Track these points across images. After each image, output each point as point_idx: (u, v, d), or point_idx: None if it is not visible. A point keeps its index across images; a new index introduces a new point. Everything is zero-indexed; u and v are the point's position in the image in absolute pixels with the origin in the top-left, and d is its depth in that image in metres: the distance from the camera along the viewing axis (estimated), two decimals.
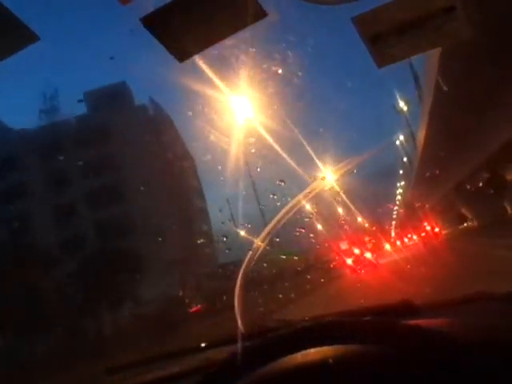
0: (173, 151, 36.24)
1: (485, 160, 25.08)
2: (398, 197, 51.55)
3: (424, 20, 1.82)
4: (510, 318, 1.27)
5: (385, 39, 1.83)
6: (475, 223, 38.66)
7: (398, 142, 37.47)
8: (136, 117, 37.06)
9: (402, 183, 47.60)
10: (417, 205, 44.02)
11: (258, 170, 16.86)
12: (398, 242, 46.66)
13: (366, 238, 30.39)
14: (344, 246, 27.63)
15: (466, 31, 1.86)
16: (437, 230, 41.43)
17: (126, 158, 36.04)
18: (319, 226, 20.37)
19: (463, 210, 43.10)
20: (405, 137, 36.55)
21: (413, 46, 1.89)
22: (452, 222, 46.98)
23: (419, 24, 1.83)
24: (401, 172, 44.79)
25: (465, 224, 44.68)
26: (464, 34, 1.85)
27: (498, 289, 1.54)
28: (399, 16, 1.81)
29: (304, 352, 0.90)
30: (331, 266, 27.45)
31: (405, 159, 40.38)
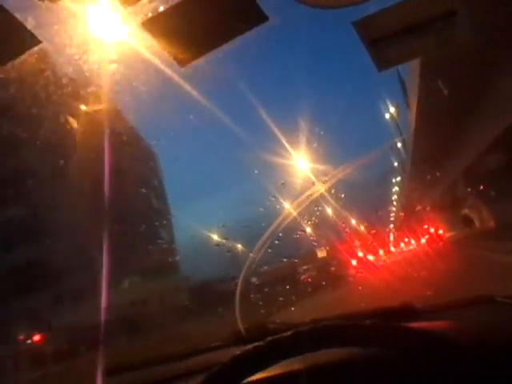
0: (111, 134, 33.85)
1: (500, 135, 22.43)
2: (395, 196, 51.67)
3: (425, 24, 2.21)
4: (508, 320, 1.48)
5: (385, 43, 2.21)
6: (491, 223, 36.53)
7: (387, 116, 35.47)
8: (53, 82, 34.33)
9: (398, 178, 47.30)
10: (416, 204, 44.51)
11: (256, 172, 19.03)
12: (393, 249, 47.81)
13: (357, 243, 30.72)
14: (321, 253, 28.19)
15: (466, 35, 2.32)
16: (440, 232, 42.61)
17: (35, 138, 32.31)
18: (309, 230, 21.92)
19: (474, 207, 41.94)
20: (396, 109, 34.44)
21: (413, 50, 2.28)
22: (457, 223, 47.19)
23: (420, 28, 2.21)
24: (396, 164, 44.08)
25: (472, 225, 44.28)
26: (465, 38, 2.30)
27: (498, 292, 1.81)
28: (400, 20, 2.19)
29: (305, 355, 1.05)
30: (332, 269, 28.03)
31: (399, 144, 39.03)
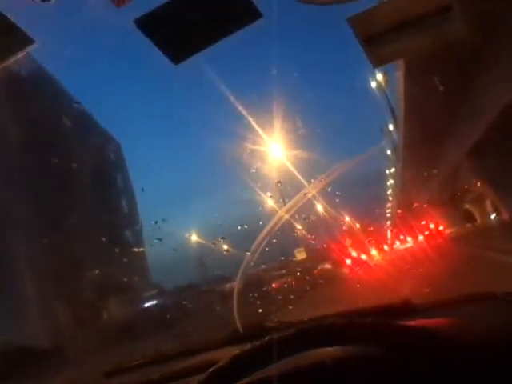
0: (60, 122, 31.61)
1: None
2: (390, 190, 50.87)
3: (420, 20, 2.27)
4: (509, 317, 1.48)
5: (380, 39, 2.27)
6: (504, 215, 32.11)
7: (373, 85, 31.69)
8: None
9: (393, 170, 45.87)
10: (413, 198, 43.93)
11: (253, 171, 19.63)
12: (388, 247, 47.94)
13: (348, 242, 30.58)
14: (300, 255, 28.16)
15: (462, 31, 2.35)
16: (441, 228, 42.38)
17: None
18: (306, 231, 22.39)
19: (480, 198, 38.84)
20: (385, 77, 30.17)
21: (409, 46, 2.33)
22: (459, 218, 46.35)
23: (415, 24, 2.28)
24: (389, 153, 41.57)
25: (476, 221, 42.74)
26: (462, 34, 2.34)
27: (497, 289, 1.82)
28: (395, 16, 2.25)
29: (304, 354, 1.06)
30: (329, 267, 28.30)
31: (390, 127, 34.77)
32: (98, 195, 34.54)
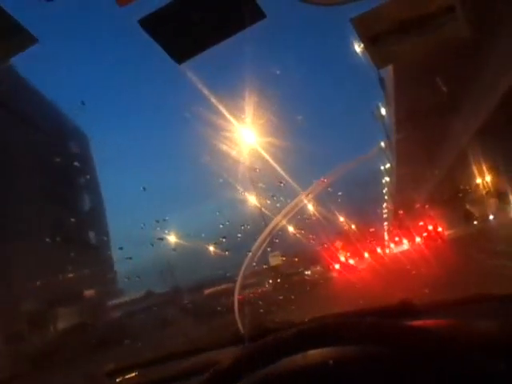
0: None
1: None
2: (386, 189, 50.16)
3: (423, 20, 2.29)
4: (509, 318, 1.48)
5: (384, 39, 2.29)
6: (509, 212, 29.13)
7: (357, 48, 26.69)
8: None
9: (388, 166, 44.33)
10: (410, 194, 43.32)
11: (257, 170, 19.92)
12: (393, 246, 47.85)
13: (338, 244, 30.49)
14: (274, 261, 27.95)
15: (465, 30, 2.36)
16: (440, 229, 42.03)
17: None
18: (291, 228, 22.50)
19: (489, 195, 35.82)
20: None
21: (413, 46, 2.36)
22: (458, 219, 45.76)
23: (419, 24, 2.30)
24: (382, 144, 38.58)
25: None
26: (463, 33, 2.35)
27: (497, 290, 1.83)
28: (399, 16, 2.26)
29: (304, 353, 1.06)
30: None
31: (383, 111, 31.84)
32: (53, 192, 31.32)
